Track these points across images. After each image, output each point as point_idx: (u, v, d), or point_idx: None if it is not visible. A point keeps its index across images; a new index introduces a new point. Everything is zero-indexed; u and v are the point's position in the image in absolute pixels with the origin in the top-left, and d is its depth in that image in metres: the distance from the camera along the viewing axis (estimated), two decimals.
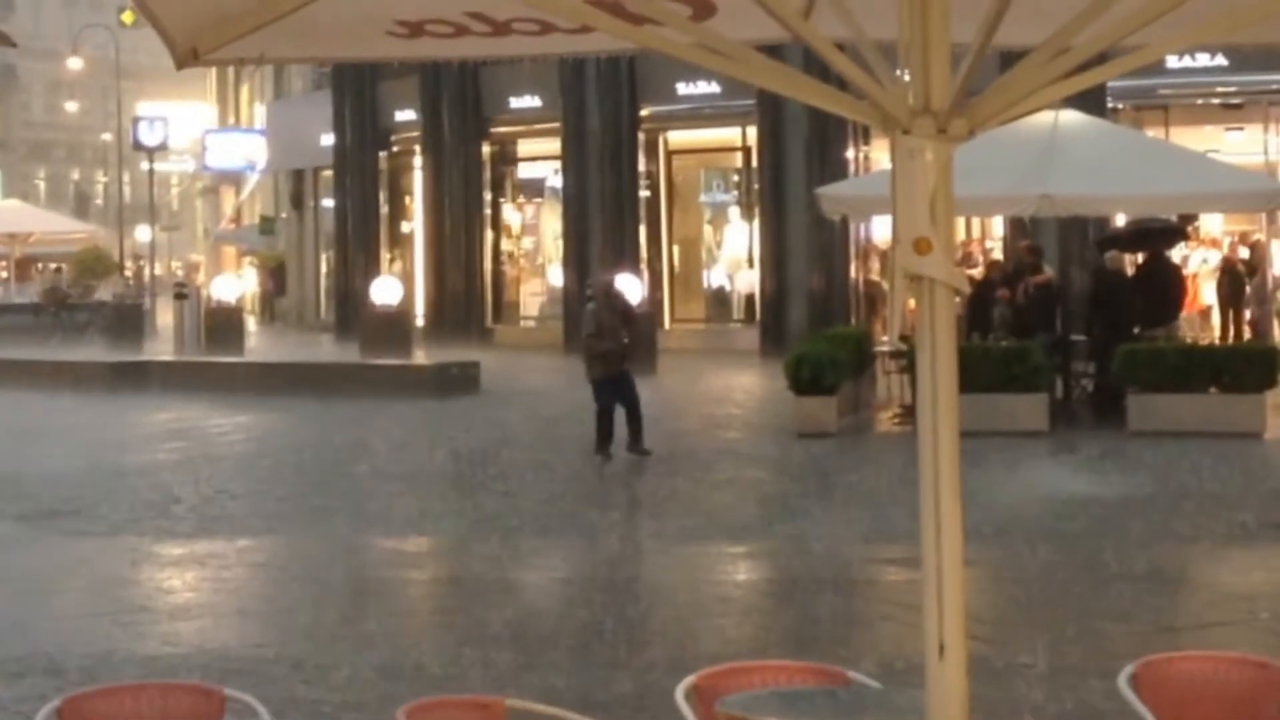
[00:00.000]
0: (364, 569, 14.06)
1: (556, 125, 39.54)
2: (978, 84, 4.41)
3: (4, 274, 59.76)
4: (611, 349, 19.41)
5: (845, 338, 24.01)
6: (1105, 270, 23.81)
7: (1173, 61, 29.97)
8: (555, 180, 41.10)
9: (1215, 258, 32.76)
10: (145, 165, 64.79)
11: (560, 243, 40.56)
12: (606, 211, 38.48)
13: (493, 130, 42.13)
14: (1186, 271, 29.67)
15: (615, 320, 19.76)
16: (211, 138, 65.45)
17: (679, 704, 5.62)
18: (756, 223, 37.13)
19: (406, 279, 41.28)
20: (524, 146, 42.88)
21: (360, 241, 46.63)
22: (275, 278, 57.08)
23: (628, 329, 20.17)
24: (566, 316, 38.48)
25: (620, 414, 19.29)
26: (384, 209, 47.21)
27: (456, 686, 9.83)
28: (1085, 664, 9.93)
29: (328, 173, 49.96)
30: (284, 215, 57.06)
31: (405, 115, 44.40)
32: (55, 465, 19.98)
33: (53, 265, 59.42)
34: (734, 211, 39.16)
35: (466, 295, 42.32)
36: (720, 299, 39.35)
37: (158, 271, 69.06)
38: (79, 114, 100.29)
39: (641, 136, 38.67)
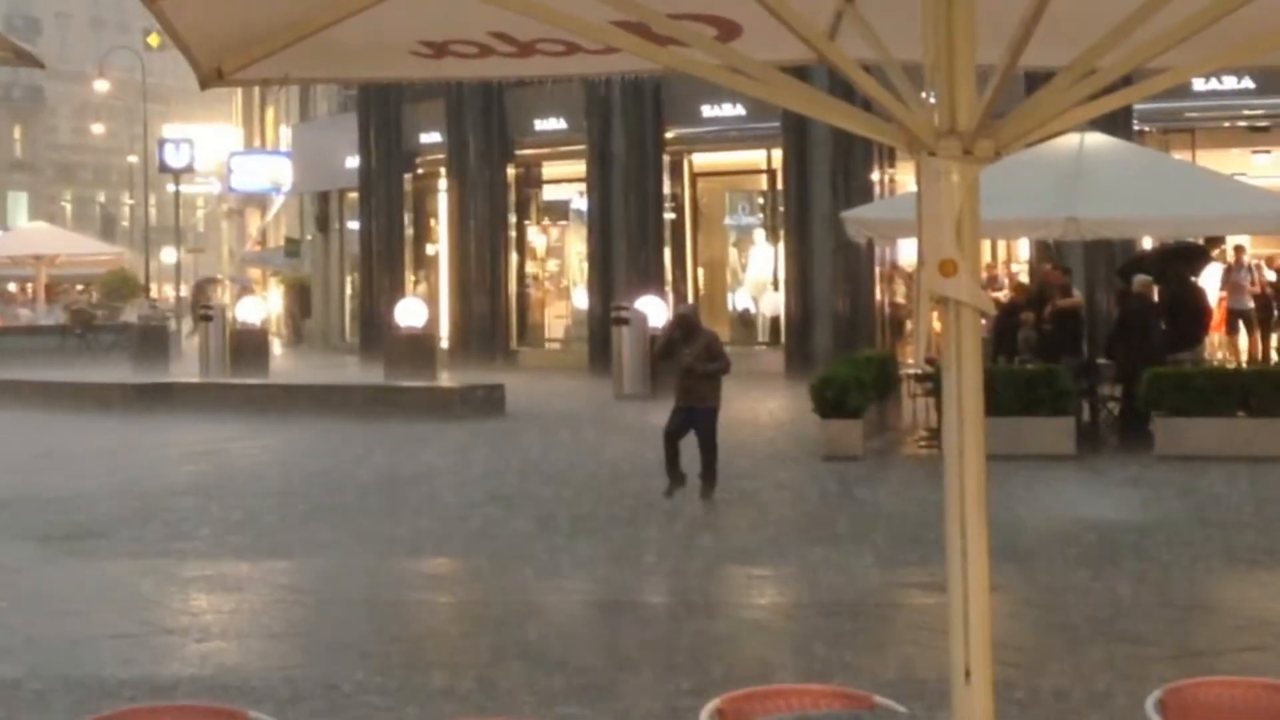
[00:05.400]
0: (389, 591, 14.04)
1: (581, 148, 39.61)
2: (1003, 106, 4.39)
3: (31, 295, 59.95)
4: (683, 378, 18.71)
5: (870, 360, 23.97)
6: (1131, 294, 23.75)
7: (1199, 84, 29.95)
8: (580, 203, 41.16)
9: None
10: (171, 187, 65.13)
11: (585, 265, 40.61)
12: (631, 234, 38.53)
13: (518, 152, 42.19)
14: (1214, 294, 29.61)
15: (680, 349, 18.47)
16: (237, 160, 65.65)
17: None
18: (781, 245, 37.15)
19: (431, 301, 41.31)
20: (549, 169, 42.95)
21: (385, 263, 46.72)
22: (299, 299, 57.18)
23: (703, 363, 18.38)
24: (591, 339, 38.53)
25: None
26: (409, 231, 47.28)
27: (481, 709, 9.81)
28: (1112, 689, 9.87)
29: (353, 195, 50.07)
30: (309, 237, 57.18)
31: (430, 137, 44.49)
32: (80, 486, 20.02)
33: (79, 287, 59.65)
34: (759, 234, 39.18)
35: (491, 317, 42.35)
36: (745, 321, 39.34)
37: (183, 293, 69.20)
38: (105, 136, 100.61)
39: (666, 159, 38.72)
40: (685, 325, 19.01)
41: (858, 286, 35.30)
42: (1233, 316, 31.05)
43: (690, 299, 38.33)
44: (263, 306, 43.99)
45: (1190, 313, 23.91)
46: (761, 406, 29.40)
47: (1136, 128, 31.14)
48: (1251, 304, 31.09)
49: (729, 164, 39.58)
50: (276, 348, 47.87)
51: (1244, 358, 30.04)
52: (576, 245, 42.04)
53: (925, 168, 4.28)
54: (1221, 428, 20.61)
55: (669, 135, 38.40)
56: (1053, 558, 14.47)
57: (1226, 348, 31.52)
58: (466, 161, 42.67)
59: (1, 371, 35.93)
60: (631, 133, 38.46)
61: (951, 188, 4.24)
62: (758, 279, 38.88)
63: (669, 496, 18.02)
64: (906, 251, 33.18)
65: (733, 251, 40.09)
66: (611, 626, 12.48)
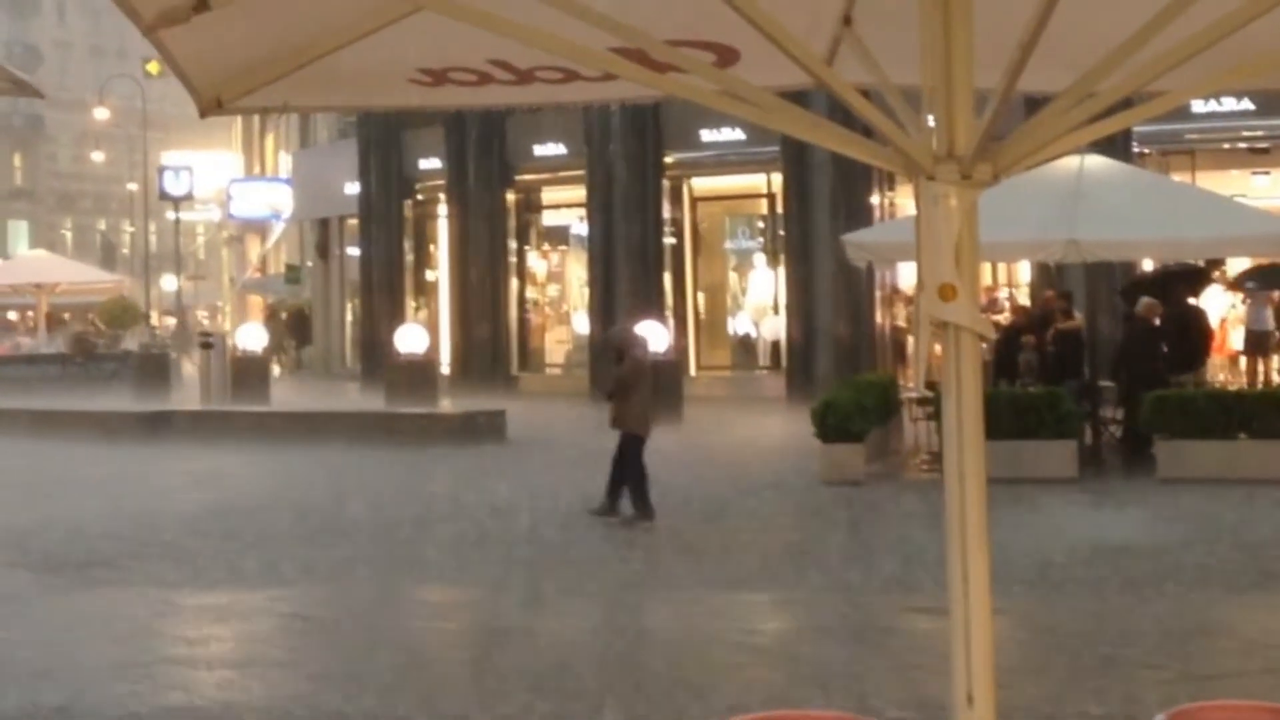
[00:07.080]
0: (393, 619, 14.01)
1: (581, 173, 39.66)
2: (1002, 129, 4.38)
3: (31, 324, 59.98)
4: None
5: (872, 384, 23.96)
6: (1134, 317, 23.75)
7: (1199, 106, 30.00)
8: (580, 228, 41.20)
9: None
10: (171, 215, 65.11)
11: (585, 290, 40.63)
12: (631, 259, 38.55)
13: (517, 178, 42.25)
14: (1218, 316, 29.56)
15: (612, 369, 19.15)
16: (237, 187, 65.71)
17: None
18: (782, 269, 37.18)
19: (432, 327, 41.33)
20: (549, 194, 42.99)
21: (385, 290, 46.75)
22: (300, 326, 57.15)
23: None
24: (592, 364, 38.54)
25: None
26: (409, 257, 47.34)
27: None
28: (1115, 713, 9.85)
29: (353, 221, 50.14)
30: (309, 264, 57.22)
31: (430, 163, 44.54)
32: (82, 515, 19.99)
33: (85, 317, 59.63)
34: (759, 258, 39.20)
35: (492, 343, 42.37)
36: (746, 346, 39.36)
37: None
38: (105, 164, 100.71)
39: (666, 184, 38.77)
40: (615, 349, 19.19)
41: (858, 310, 35.31)
42: (1253, 338, 30.84)
43: (690, 324, 38.45)
44: (263, 333, 43.85)
45: (1191, 335, 23.91)
46: (762, 431, 29.39)
47: (1136, 150, 31.20)
48: (1272, 324, 30.89)
49: (729, 188, 39.63)
50: (277, 374, 47.81)
51: (1259, 380, 29.83)
52: (577, 270, 42.07)
53: (924, 192, 4.27)
54: (1224, 450, 20.58)
55: (668, 160, 38.46)
56: (1055, 581, 14.44)
57: (1230, 370, 31.44)
58: (466, 187, 42.72)
59: (2, 400, 35.91)
60: (631, 158, 38.50)
61: (950, 212, 4.23)
62: (758, 303, 38.90)
63: (622, 519, 18.21)
64: (907, 275, 33.19)
65: (733, 276, 40.12)
66: (614, 653, 12.45)
